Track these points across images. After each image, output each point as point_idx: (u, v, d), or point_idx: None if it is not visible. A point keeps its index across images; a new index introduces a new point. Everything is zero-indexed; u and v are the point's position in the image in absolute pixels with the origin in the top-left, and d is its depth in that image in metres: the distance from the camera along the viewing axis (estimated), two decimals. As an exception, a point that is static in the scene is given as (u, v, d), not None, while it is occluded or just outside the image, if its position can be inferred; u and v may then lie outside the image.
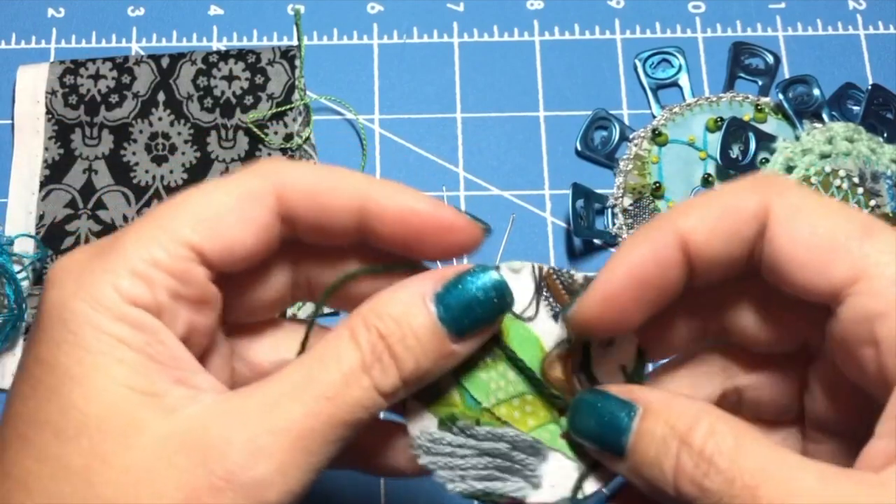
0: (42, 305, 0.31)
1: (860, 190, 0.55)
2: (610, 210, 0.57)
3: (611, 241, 0.56)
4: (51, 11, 0.62)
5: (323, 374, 0.30)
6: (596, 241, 0.56)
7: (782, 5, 0.62)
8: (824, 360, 0.33)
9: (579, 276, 0.34)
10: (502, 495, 0.34)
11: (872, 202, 0.55)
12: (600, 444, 0.32)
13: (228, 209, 0.32)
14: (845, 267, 0.30)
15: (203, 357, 0.34)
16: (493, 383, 0.34)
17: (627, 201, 0.57)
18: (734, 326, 0.34)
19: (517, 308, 0.34)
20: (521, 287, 0.34)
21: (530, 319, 0.34)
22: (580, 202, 0.56)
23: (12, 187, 0.57)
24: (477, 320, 0.32)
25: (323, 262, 0.36)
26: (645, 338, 0.34)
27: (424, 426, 0.34)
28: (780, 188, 0.31)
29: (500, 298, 0.32)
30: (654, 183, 0.57)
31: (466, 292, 0.32)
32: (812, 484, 0.28)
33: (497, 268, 0.34)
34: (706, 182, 0.56)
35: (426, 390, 0.34)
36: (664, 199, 0.57)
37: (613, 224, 0.56)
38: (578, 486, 0.34)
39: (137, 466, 0.29)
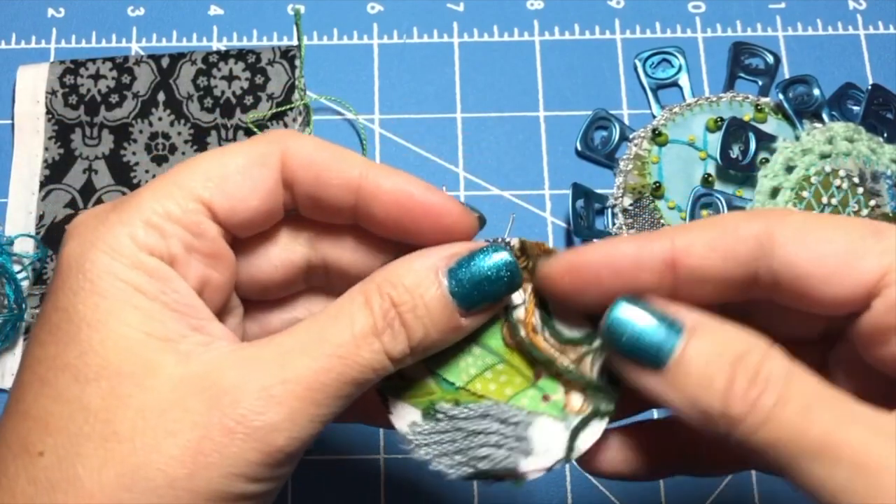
0: (60, 256, 0.33)
1: (860, 190, 0.55)
2: (610, 210, 0.57)
3: (611, 241, 0.56)
4: (51, 11, 0.62)
5: (336, 333, 0.32)
6: (596, 241, 0.56)
7: (782, 5, 0.62)
8: (846, 346, 0.33)
9: (515, 240, 0.35)
10: (500, 470, 0.34)
11: (872, 202, 0.55)
12: (638, 352, 0.31)
13: (236, 170, 0.34)
14: (871, 264, 0.30)
15: (218, 315, 0.35)
16: (462, 361, 0.35)
17: (627, 201, 0.57)
18: (756, 314, 0.34)
19: None
20: None
21: None
22: (580, 202, 0.56)
23: (12, 187, 0.57)
24: (486, 296, 0.33)
25: (337, 243, 0.37)
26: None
27: (410, 420, 0.34)
28: (780, 215, 0.32)
29: (510, 277, 0.33)
30: (654, 183, 0.57)
31: (478, 269, 0.33)
32: (867, 416, 0.28)
33: (507, 244, 0.35)
34: (706, 182, 0.56)
35: (404, 385, 0.34)
36: (664, 199, 0.57)
37: (613, 224, 0.56)
38: (571, 445, 0.34)
39: (153, 406, 0.30)
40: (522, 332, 0.35)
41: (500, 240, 0.35)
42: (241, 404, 0.30)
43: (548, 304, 0.35)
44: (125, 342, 0.31)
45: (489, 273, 0.33)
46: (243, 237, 0.36)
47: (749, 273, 0.32)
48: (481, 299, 0.33)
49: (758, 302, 0.34)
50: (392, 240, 0.36)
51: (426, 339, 0.32)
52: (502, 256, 0.33)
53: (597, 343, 0.35)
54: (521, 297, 0.35)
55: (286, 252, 0.37)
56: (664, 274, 0.32)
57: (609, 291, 0.33)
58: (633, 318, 0.32)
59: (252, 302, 0.38)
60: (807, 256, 0.31)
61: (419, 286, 0.32)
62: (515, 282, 0.34)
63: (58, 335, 0.32)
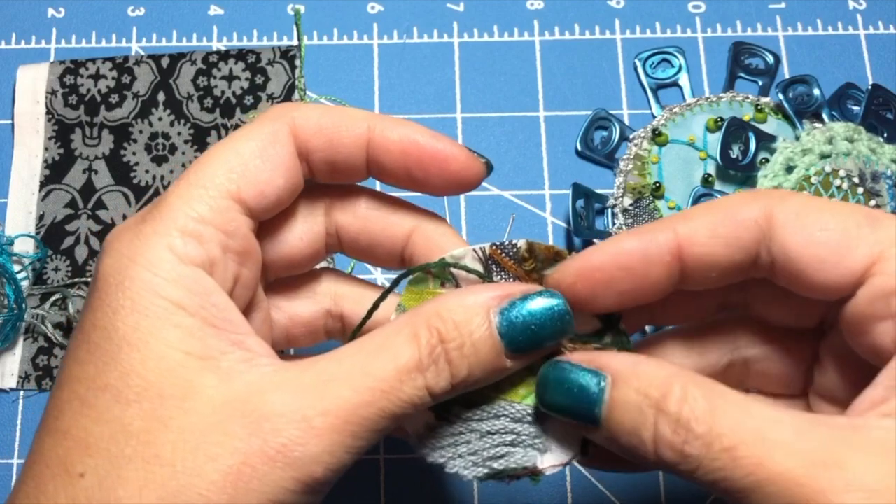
0: (98, 273, 0.32)
1: (860, 190, 0.55)
2: (610, 210, 0.57)
3: (611, 241, 0.56)
4: (51, 11, 0.62)
5: (380, 366, 0.31)
6: (596, 241, 0.56)
7: (782, 5, 0.62)
8: (838, 334, 0.33)
9: (522, 242, 0.35)
10: (516, 468, 0.34)
11: (872, 202, 0.55)
12: (573, 416, 0.32)
13: (253, 154, 0.34)
14: (862, 253, 0.30)
15: (245, 312, 0.35)
16: None
17: (627, 201, 0.57)
18: (756, 301, 0.34)
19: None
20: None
21: None
22: (580, 202, 0.56)
23: (12, 187, 0.57)
24: (535, 341, 0.33)
25: (350, 209, 0.37)
26: (662, 303, 0.35)
27: (424, 422, 0.34)
28: (780, 196, 0.32)
29: (562, 324, 0.33)
30: (654, 183, 0.57)
31: (530, 312, 0.32)
32: (789, 437, 0.28)
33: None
34: (706, 182, 0.56)
35: None
36: (664, 199, 0.57)
37: (613, 224, 0.56)
38: (586, 440, 0.34)
39: (194, 429, 0.30)
40: None
41: (509, 242, 0.35)
42: (283, 433, 0.30)
43: None
44: (166, 363, 0.31)
45: (540, 317, 0.32)
46: (268, 218, 0.36)
47: (751, 256, 0.32)
48: (530, 343, 0.33)
49: (756, 291, 0.34)
50: (400, 204, 0.37)
51: (469, 377, 0.32)
52: (556, 302, 0.33)
53: (607, 340, 0.35)
54: None
55: (308, 224, 0.37)
56: (672, 265, 0.32)
57: (622, 291, 0.33)
58: (560, 381, 0.32)
59: (277, 290, 0.38)
60: (802, 241, 0.31)
61: (468, 323, 0.32)
62: (567, 329, 0.33)
63: (97, 354, 0.31)
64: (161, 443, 0.30)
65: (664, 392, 0.30)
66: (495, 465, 0.34)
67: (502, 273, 0.35)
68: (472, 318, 0.32)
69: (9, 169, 0.58)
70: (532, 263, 0.35)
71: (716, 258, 0.32)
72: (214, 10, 0.62)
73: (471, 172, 0.35)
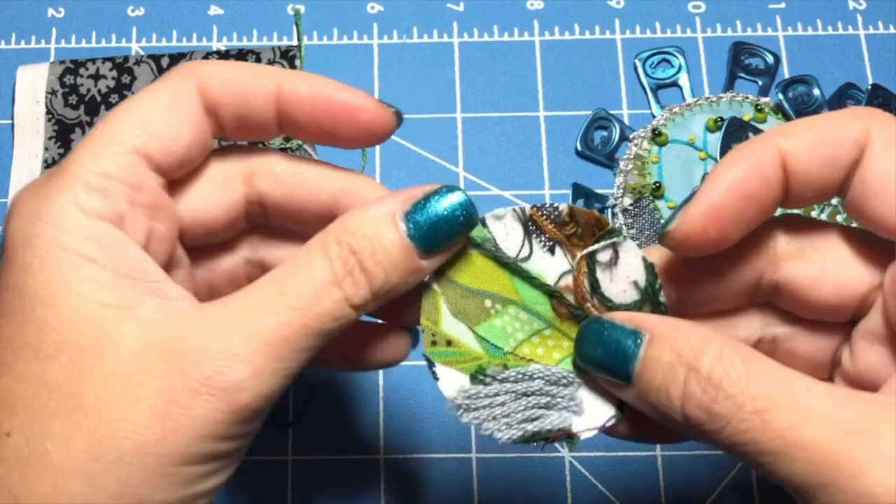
0: (6, 235, 0.32)
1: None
2: (610, 210, 0.57)
3: (611, 240, 0.56)
4: (51, 11, 0.62)
5: (295, 286, 0.32)
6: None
7: (782, 5, 0.62)
8: (872, 318, 0.33)
9: (563, 206, 0.35)
10: (550, 430, 0.34)
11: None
12: (607, 371, 0.32)
13: (160, 109, 0.34)
14: None
15: (166, 269, 0.34)
16: (509, 327, 0.35)
17: (627, 201, 0.57)
18: (790, 284, 0.34)
19: (511, 251, 0.35)
20: (510, 230, 0.35)
21: (526, 259, 0.35)
22: (580, 202, 0.56)
23: (12, 187, 0.57)
24: (444, 237, 0.34)
25: (270, 175, 0.37)
26: (693, 291, 0.35)
27: (458, 385, 0.34)
28: (882, 119, 0.31)
29: (466, 216, 0.34)
30: (654, 183, 0.57)
31: (434, 210, 0.33)
32: (824, 407, 0.28)
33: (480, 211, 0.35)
34: (706, 182, 0.56)
35: (450, 351, 0.35)
36: (664, 198, 0.57)
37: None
38: (622, 403, 0.34)
39: (116, 376, 0.30)
40: (571, 299, 0.35)
41: (550, 205, 0.35)
42: (205, 365, 0.30)
43: (595, 270, 0.35)
44: (82, 316, 0.31)
45: (445, 213, 0.33)
46: (178, 177, 0.35)
47: (847, 177, 0.32)
48: (439, 240, 0.33)
49: (787, 294, 0.34)
50: (321, 165, 0.37)
51: (387, 283, 0.32)
52: (457, 197, 0.34)
53: (645, 309, 0.35)
54: (568, 264, 0.35)
55: (226, 192, 0.37)
56: (783, 180, 0.32)
57: (748, 220, 0.32)
58: (598, 336, 0.33)
59: (198, 249, 0.38)
60: (881, 169, 0.31)
61: (377, 232, 0.32)
62: (471, 220, 0.34)
63: (11, 315, 0.31)
64: (83, 393, 0.30)
65: (698, 353, 0.30)
66: (530, 426, 0.34)
67: (542, 236, 0.35)
68: (379, 227, 0.32)
69: (9, 169, 0.58)
70: (573, 227, 0.35)
71: (813, 176, 0.32)
72: (214, 10, 0.62)
73: (381, 123, 0.35)
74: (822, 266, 0.33)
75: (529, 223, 0.35)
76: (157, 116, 0.34)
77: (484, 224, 0.35)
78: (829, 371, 0.35)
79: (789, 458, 0.28)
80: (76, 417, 0.30)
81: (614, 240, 0.35)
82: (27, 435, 0.30)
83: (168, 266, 0.35)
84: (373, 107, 0.35)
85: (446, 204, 0.33)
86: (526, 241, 0.35)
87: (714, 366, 0.29)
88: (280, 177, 0.37)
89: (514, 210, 0.35)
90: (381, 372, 0.54)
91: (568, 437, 0.34)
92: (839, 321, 0.34)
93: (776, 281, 0.34)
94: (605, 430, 0.35)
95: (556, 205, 0.35)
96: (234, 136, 0.36)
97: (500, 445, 0.35)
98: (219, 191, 0.37)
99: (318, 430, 0.53)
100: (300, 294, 0.31)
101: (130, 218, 0.33)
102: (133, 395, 0.30)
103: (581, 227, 0.35)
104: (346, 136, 0.36)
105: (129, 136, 0.33)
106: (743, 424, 0.28)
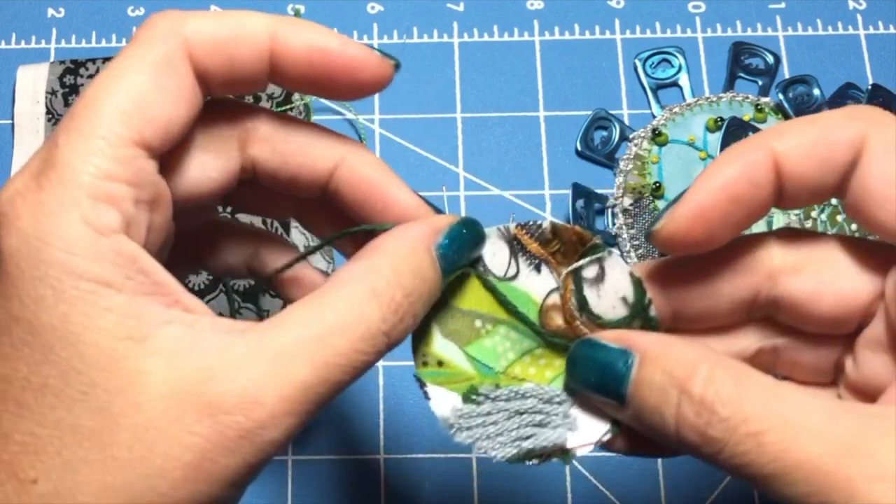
0: (3, 256, 0.29)
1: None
2: (610, 210, 0.57)
3: (611, 241, 0.56)
4: (51, 11, 0.62)
5: (340, 334, 0.29)
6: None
7: (782, 5, 0.62)
8: (875, 326, 0.33)
9: (546, 223, 0.35)
10: (545, 447, 0.34)
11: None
12: (601, 394, 0.32)
13: (150, 88, 0.30)
14: None
15: (161, 252, 0.33)
16: (499, 347, 0.35)
17: (627, 201, 0.57)
18: (789, 298, 0.33)
19: (499, 271, 0.35)
20: (497, 249, 0.35)
21: (513, 278, 0.35)
22: (580, 202, 0.56)
23: (12, 187, 0.57)
24: (460, 264, 0.34)
25: (266, 143, 0.35)
26: (687, 308, 0.34)
27: (451, 405, 0.34)
28: (879, 119, 0.31)
29: (480, 240, 0.34)
30: (655, 183, 0.57)
31: (461, 243, 0.33)
32: (818, 424, 0.28)
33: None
34: (706, 182, 0.56)
35: (442, 372, 0.34)
36: (664, 199, 0.57)
37: (613, 224, 0.56)
38: (616, 420, 0.34)
39: (148, 426, 0.28)
40: (559, 319, 0.35)
41: (533, 223, 0.35)
42: (242, 422, 0.29)
43: (582, 287, 0.35)
44: (105, 355, 0.28)
45: (466, 242, 0.33)
46: (167, 151, 0.32)
47: (842, 180, 0.31)
48: (456, 268, 0.33)
49: (786, 310, 0.34)
50: (322, 133, 0.35)
51: (419, 318, 0.32)
52: (475, 224, 0.34)
53: (635, 324, 0.34)
54: (555, 282, 0.35)
55: (221, 161, 0.34)
56: (775, 183, 0.31)
57: (735, 222, 0.32)
58: (589, 358, 0.32)
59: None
60: (880, 172, 0.30)
61: (422, 269, 0.31)
62: (481, 241, 0.34)
63: (24, 351, 0.28)
64: (116, 444, 0.28)
65: (689, 373, 0.29)
66: (525, 444, 0.34)
67: (526, 253, 0.35)
68: (421, 261, 0.32)
69: (9, 169, 0.58)
70: (557, 245, 0.35)
71: (807, 178, 0.31)
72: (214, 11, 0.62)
73: (381, 78, 0.33)
74: (821, 278, 0.32)
75: (514, 241, 0.35)
76: (149, 97, 0.30)
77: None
78: (832, 376, 0.35)
79: (789, 479, 0.27)
80: (110, 470, 0.28)
81: (599, 255, 0.34)
82: (56, 484, 0.28)
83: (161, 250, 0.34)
84: (373, 64, 0.33)
85: (466, 232, 0.33)
86: (512, 260, 0.35)
87: (706, 387, 0.29)
88: (275, 144, 0.35)
89: (500, 229, 0.35)
90: (381, 372, 0.54)
91: (563, 453, 0.34)
92: (845, 333, 0.33)
93: (774, 296, 0.33)
94: (602, 446, 0.34)
95: (539, 222, 0.35)
96: (221, 93, 0.34)
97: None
98: (212, 160, 0.34)
99: (318, 430, 0.53)
100: (345, 346, 0.29)
101: (135, 220, 0.30)
102: (169, 452, 0.28)
103: (564, 243, 0.35)
104: (341, 92, 0.34)
105: (123, 125, 0.30)
106: (739, 448, 0.28)
